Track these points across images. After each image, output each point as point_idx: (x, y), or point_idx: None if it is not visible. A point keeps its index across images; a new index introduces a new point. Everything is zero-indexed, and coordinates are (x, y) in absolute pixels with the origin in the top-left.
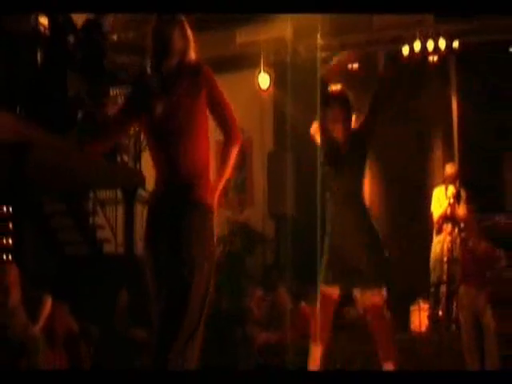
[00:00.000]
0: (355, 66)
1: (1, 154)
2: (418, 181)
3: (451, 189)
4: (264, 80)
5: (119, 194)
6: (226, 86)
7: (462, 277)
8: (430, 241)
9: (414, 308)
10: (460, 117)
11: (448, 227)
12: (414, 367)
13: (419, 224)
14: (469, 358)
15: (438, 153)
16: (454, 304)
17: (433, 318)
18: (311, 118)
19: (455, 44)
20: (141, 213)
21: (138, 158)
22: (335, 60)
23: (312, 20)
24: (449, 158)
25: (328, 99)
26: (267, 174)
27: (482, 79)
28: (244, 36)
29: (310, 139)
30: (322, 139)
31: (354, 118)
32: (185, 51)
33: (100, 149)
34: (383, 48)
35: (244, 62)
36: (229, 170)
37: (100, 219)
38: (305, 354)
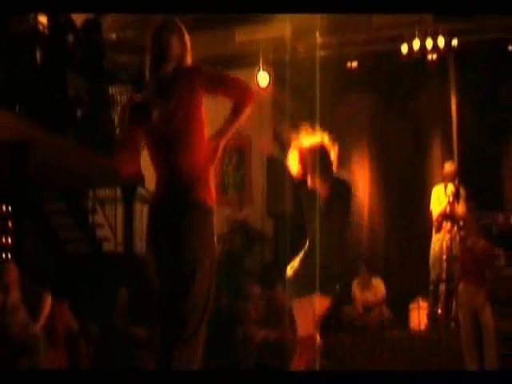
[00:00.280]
0: (354, 64)
1: (1, 153)
2: (417, 179)
3: (450, 187)
4: (263, 78)
5: (118, 192)
6: None
7: (461, 275)
8: (430, 239)
9: (413, 306)
10: (459, 115)
11: (447, 225)
12: (413, 366)
13: (418, 222)
14: (468, 356)
15: (437, 151)
16: (453, 302)
17: (432, 316)
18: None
19: (454, 42)
20: (140, 211)
21: None
22: None
23: (311, 19)
24: (448, 156)
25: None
26: (266, 173)
27: (481, 78)
28: (243, 35)
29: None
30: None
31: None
32: (182, 56)
33: (132, 169)
34: (382, 47)
35: (243, 61)
36: (238, 124)
37: (99, 218)
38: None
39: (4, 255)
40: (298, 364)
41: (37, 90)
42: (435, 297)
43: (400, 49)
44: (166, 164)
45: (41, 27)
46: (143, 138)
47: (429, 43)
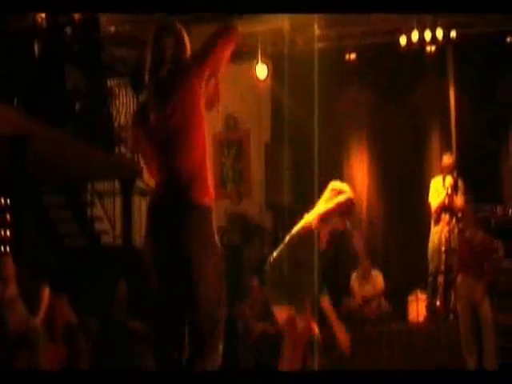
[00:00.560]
0: (352, 56)
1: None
2: (415, 172)
3: (449, 179)
4: (262, 71)
5: (117, 185)
6: (224, 77)
7: (460, 267)
8: (428, 231)
9: (411, 298)
10: (457, 107)
11: (446, 217)
12: (412, 358)
13: (417, 214)
14: (466, 348)
15: (435, 143)
16: (452, 294)
17: (430, 308)
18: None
19: (453, 34)
20: (138, 204)
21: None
22: None
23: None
24: (446, 148)
25: None
26: (265, 165)
27: (480, 70)
28: (241, 27)
29: (307, 130)
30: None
31: None
32: (182, 58)
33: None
34: (381, 39)
35: (242, 53)
36: (218, 54)
37: (98, 211)
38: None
39: (2, 248)
40: (291, 358)
41: (35, 83)
42: (434, 289)
43: (399, 41)
44: (163, 163)
45: (39, 20)
46: (143, 138)
47: (427, 35)
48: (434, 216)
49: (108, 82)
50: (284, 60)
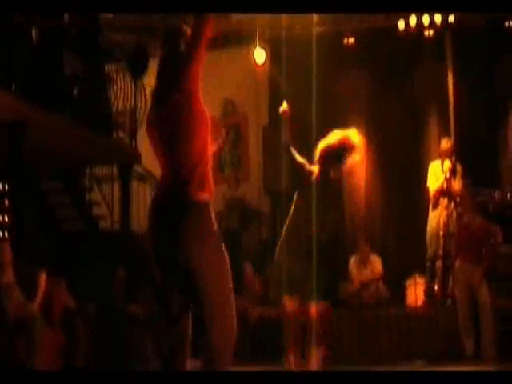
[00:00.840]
0: (351, 41)
1: None
2: (414, 156)
3: (447, 163)
4: (260, 55)
5: (115, 170)
6: (223, 61)
7: (458, 252)
8: (427, 216)
9: (409, 283)
10: (456, 92)
11: (444, 202)
12: (410, 342)
13: (415, 199)
14: (464, 332)
15: (433, 128)
16: (450, 279)
17: (428, 292)
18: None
19: (451, 18)
20: (137, 189)
21: (133, 135)
22: None
23: None
24: (444, 133)
25: None
26: (263, 150)
27: (478, 54)
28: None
29: (305, 113)
30: None
31: None
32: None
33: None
34: (379, 23)
35: (240, 38)
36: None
37: (96, 196)
38: None
39: (1, 234)
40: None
41: (33, 69)
42: (432, 273)
43: (397, 25)
44: (165, 159)
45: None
46: (153, 136)
47: (425, 19)
48: (432, 200)
49: (106, 67)
50: (282, 44)
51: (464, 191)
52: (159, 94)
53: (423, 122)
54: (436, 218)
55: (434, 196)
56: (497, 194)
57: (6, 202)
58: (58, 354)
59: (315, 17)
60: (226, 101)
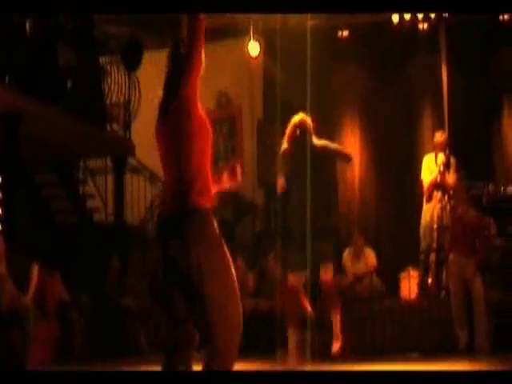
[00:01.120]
0: (345, 33)
1: None
2: (408, 149)
3: (441, 156)
4: (254, 48)
5: (109, 162)
6: (217, 54)
7: (451, 244)
8: (420, 208)
9: (403, 276)
10: (450, 85)
11: (438, 195)
12: (404, 335)
13: (409, 192)
14: (458, 325)
15: (427, 121)
16: (444, 272)
17: (422, 285)
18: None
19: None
20: (130, 181)
21: (128, 127)
22: None
23: None
24: (438, 125)
25: None
26: (257, 142)
27: (472, 47)
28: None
29: (299, 106)
30: None
31: None
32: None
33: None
34: (373, 16)
35: (234, 31)
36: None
37: (90, 188)
38: None
39: None
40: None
41: (27, 61)
42: (426, 266)
43: (391, 18)
44: (167, 166)
45: None
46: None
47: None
48: (426, 193)
49: (100, 60)
50: (276, 37)
51: (458, 184)
52: (163, 104)
53: (417, 114)
54: (430, 210)
55: (428, 189)
56: (490, 187)
57: (1, 194)
58: (53, 345)
59: None
60: (220, 93)
